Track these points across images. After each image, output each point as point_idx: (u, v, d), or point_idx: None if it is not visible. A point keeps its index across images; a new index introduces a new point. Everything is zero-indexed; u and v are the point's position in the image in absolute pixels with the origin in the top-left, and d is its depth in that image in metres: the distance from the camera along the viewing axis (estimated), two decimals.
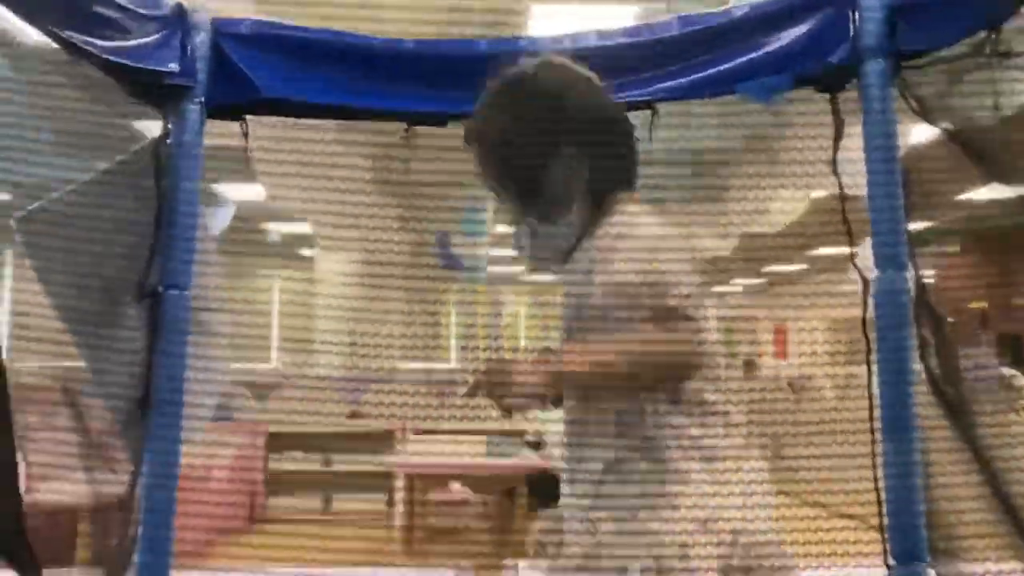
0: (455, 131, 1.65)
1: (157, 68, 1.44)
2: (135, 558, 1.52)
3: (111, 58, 1.29)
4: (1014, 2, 1.27)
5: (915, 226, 1.61)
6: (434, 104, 1.64)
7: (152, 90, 1.52)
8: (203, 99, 1.60)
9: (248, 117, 1.67)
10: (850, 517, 1.66)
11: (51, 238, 1.32)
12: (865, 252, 1.71)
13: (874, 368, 1.60)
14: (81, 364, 1.49)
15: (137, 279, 1.55)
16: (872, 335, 1.62)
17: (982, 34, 1.37)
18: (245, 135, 1.68)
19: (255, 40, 1.64)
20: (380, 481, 5.80)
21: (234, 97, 1.62)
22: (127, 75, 1.40)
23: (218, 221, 1.81)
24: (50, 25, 1.13)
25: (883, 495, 1.60)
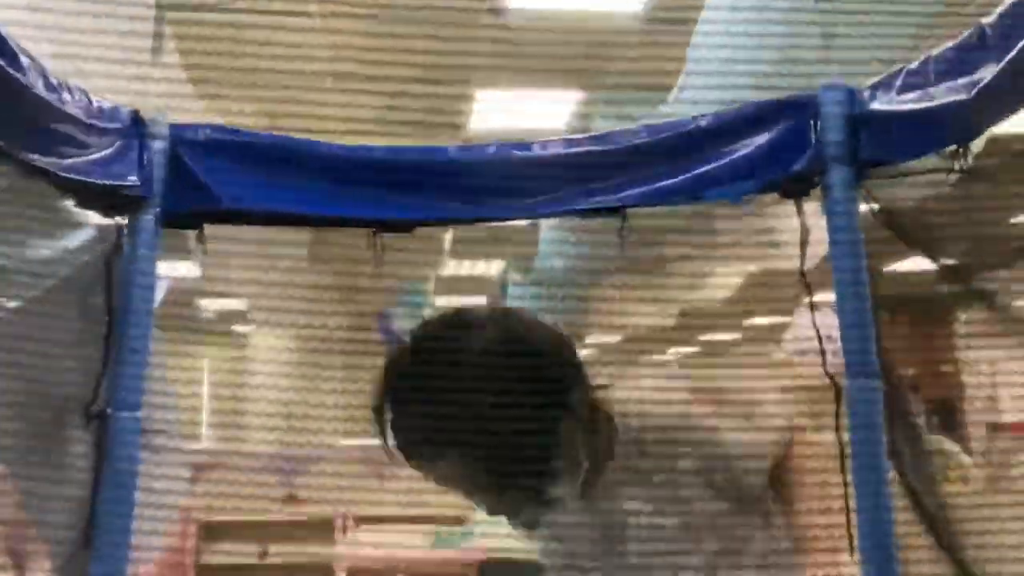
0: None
1: (116, 183, 1.37)
2: None
3: (70, 176, 1.21)
4: (982, 123, 1.29)
5: None
6: (401, 211, 1.60)
7: (105, 201, 1.45)
8: (159, 209, 1.53)
9: (205, 226, 1.60)
10: None
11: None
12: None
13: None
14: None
15: (84, 401, 1.45)
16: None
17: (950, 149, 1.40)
18: (201, 241, 1.61)
19: (214, 147, 1.59)
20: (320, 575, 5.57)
21: (192, 206, 1.56)
22: (82, 190, 1.33)
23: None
24: (5, 146, 1.06)
25: None
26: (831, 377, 1.65)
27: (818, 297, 1.74)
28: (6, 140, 1.07)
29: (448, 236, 4.79)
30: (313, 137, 1.61)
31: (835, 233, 1.66)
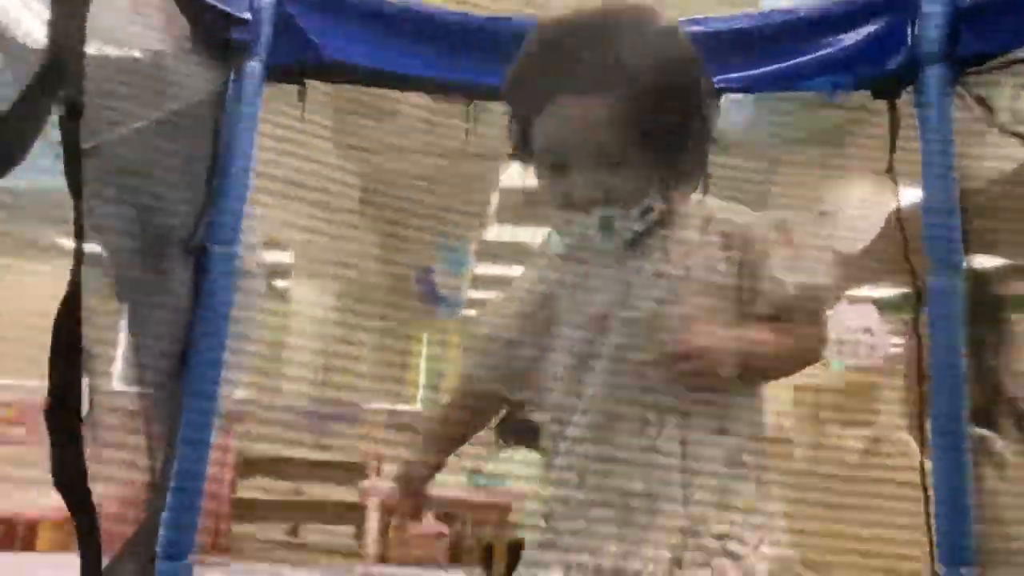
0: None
1: (229, 10, 1.42)
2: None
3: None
4: None
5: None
6: (497, 78, 1.62)
7: (216, 42, 1.49)
8: (264, 58, 1.57)
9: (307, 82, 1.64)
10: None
11: (111, 174, 1.26)
12: None
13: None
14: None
15: (185, 235, 1.49)
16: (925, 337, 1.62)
17: None
18: (302, 99, 1.65)
19: (320, 4, 1.62)
20: (351, 512, 5.65)
21: (295, 58, 1.60)
22: (198, 11, 1.38)
23: None
24: None
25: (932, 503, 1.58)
26: (914, 278, 1.65)
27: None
28: None
29: (495, 200, 4.79)
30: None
31: (928, 133, 1.66)
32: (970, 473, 1.54)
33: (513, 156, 1.21)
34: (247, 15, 1.48)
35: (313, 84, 1.65)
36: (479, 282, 5.37)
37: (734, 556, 1.05)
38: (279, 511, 6.03)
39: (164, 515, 1.44)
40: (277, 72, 1.61)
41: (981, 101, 1.57)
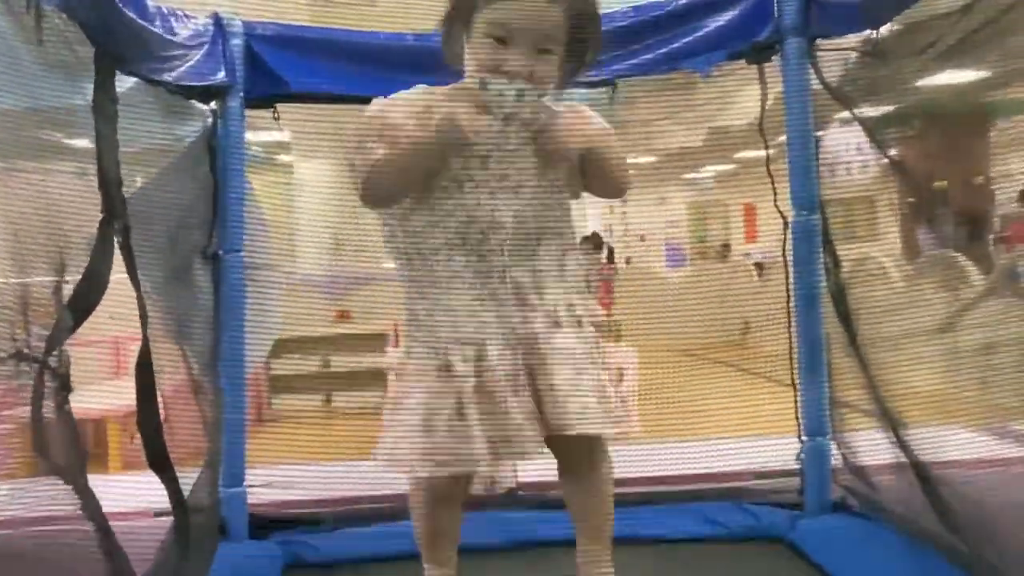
0: None
1: (209, 82, 1.78)
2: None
3: (179, 83, 1.63)
4: (892, 9, 1.62)
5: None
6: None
7: (203, 93, 1.86)
8: (243, 94, 1.93)
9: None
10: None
11: (142, 218, 1.66)
12: None
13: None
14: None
15: (202, 246, 1.92)
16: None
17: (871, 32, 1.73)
18: (277, 119, 2.03)
19: (280, 40, 1.97)
20: (375, 380, 6.26)
21: (268, 91, 1.96)
22: (187, 89, 1.75)
23: None
24: (133, 69, 1.47)
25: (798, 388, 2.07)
26: (780, 211, 2.06)
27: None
28: (134, 65, 1.47)
29: None
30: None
31: (790, 93, 2.01)
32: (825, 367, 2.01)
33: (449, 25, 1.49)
34: (224, 78, 1.84)
35: None
36: None
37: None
38: (311, 382, 6.71)
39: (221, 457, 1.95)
40: (253, 102, 1.98)
41: (817, 69, 1.93)
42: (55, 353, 1.05)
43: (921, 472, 1.74)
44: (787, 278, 2.07)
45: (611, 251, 5.53)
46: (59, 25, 1.21)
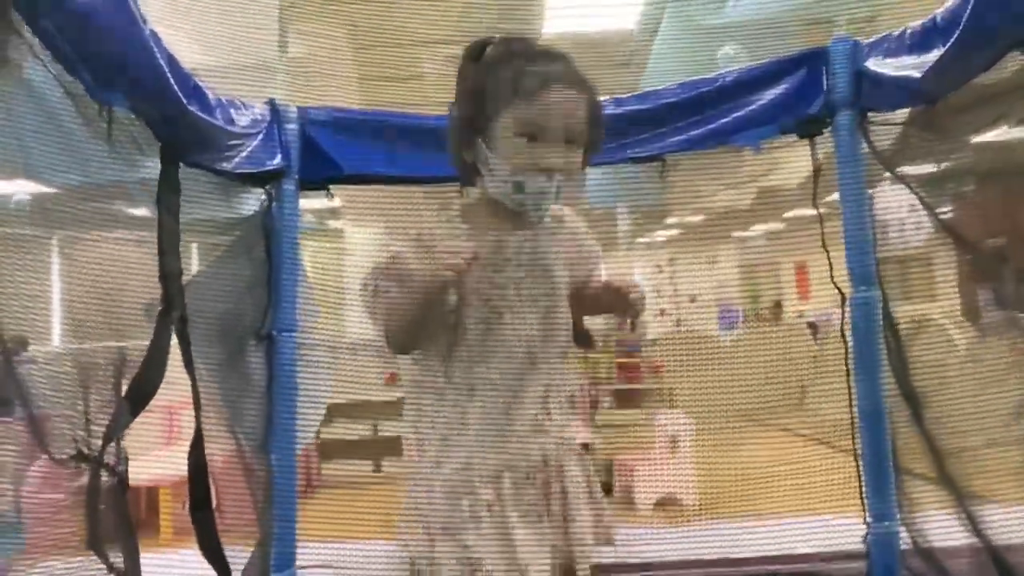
0: None
1: (266, 169, 1.83)
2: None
3: (238, 171, 1.67)
4: (945, 88, 1.60)
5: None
6: None
7: (260, 179, 1.90)
8: (297, 177, 1.98)
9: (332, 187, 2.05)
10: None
11: (198, 303, 1.69)
12: None
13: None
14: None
15: (256, 326, 1.94)
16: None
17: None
18: (331, 198, 2.06)
19: (333, 124, 2.01)
20: None
21: (322, 174, 2.00)
22: (246, 177, 1.79)
23: None
24: (196, 160, 1.51)
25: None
26: (837, 286, 2.02)
27: None
28: (197, 156, 1.51)
29: None
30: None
31: (843, 166, 1.99)
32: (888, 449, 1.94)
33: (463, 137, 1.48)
34: (280, 162, 1.89)
35: None
36: None
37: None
38: (360, 449, 6.70)
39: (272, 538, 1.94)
40: (307, 185, 2.02)
41: (869, 142, 1.90)
42: (112, 448, 1.06)
43: (996, 556, 1.65)
44: (846, 353, 2.02)
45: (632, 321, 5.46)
46: (127, 124, 1.26)
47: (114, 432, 1.08)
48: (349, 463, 6.55)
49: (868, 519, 1.98)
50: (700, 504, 2.26)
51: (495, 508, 1.43)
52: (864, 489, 1.99)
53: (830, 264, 2.04)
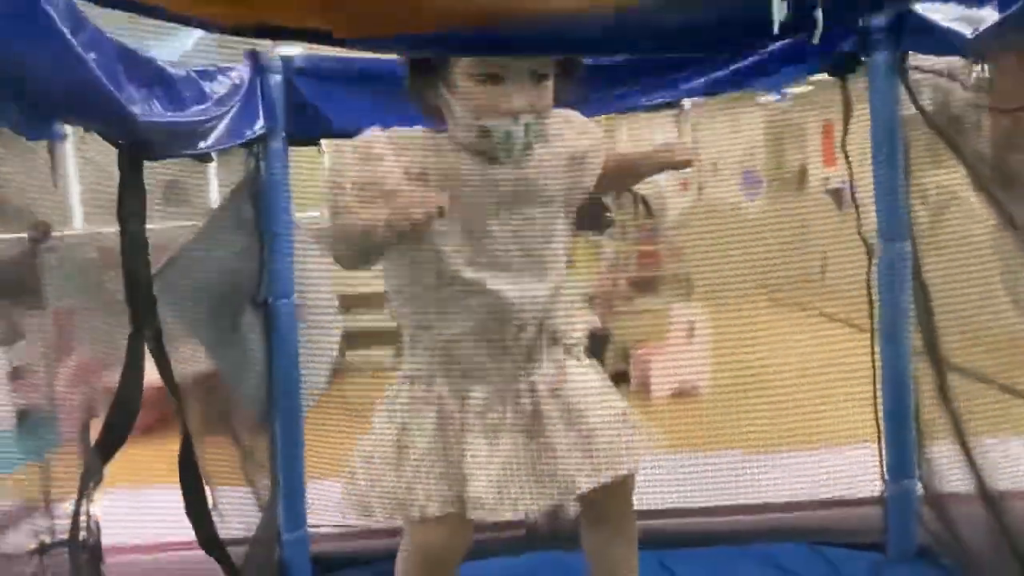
0: None
1: (249, 136, 1.70)
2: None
3: (221, 147, 1.55)
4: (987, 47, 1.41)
5: None
6: None
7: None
8: (284, 135, 1.84)
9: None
10: None
11: (185, 277, 1.61)
12: None
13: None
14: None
15: (252, 294, 1.87)
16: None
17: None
18: (321, 153, 1.93)
19: (319, 73, 1.86)
20: None
21: (310, 132, 1.87)
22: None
23: None
24: (167, 155, 1.40)
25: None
26: (864, 239, 1.89)
27: None
28: (161, 152, 1.38)
29: None
30: None
31: (876, 107, 1.81)
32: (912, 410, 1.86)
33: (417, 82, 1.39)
34: (265, 125, 1.75)
35: None
36: None
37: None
38: (381, 337, 6.76)
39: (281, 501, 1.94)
40: (296, 141, 1.89)
41: (909, 88, 1.72)
42: (83, 520, 1.01)
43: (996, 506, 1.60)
44: (871, 311, 1.91)
45: (646, 204, 5.23)
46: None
47: (85, 487, 1.02)
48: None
49: (885, 476, 1.94)
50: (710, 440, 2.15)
51: (455, 421, 1.38)
52: (882, 454, 1.93)
53: (858, 216, 1.90)
